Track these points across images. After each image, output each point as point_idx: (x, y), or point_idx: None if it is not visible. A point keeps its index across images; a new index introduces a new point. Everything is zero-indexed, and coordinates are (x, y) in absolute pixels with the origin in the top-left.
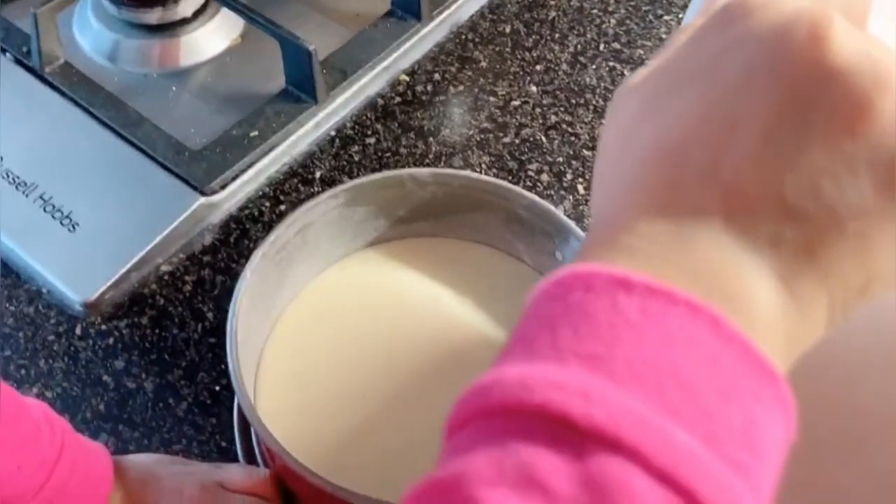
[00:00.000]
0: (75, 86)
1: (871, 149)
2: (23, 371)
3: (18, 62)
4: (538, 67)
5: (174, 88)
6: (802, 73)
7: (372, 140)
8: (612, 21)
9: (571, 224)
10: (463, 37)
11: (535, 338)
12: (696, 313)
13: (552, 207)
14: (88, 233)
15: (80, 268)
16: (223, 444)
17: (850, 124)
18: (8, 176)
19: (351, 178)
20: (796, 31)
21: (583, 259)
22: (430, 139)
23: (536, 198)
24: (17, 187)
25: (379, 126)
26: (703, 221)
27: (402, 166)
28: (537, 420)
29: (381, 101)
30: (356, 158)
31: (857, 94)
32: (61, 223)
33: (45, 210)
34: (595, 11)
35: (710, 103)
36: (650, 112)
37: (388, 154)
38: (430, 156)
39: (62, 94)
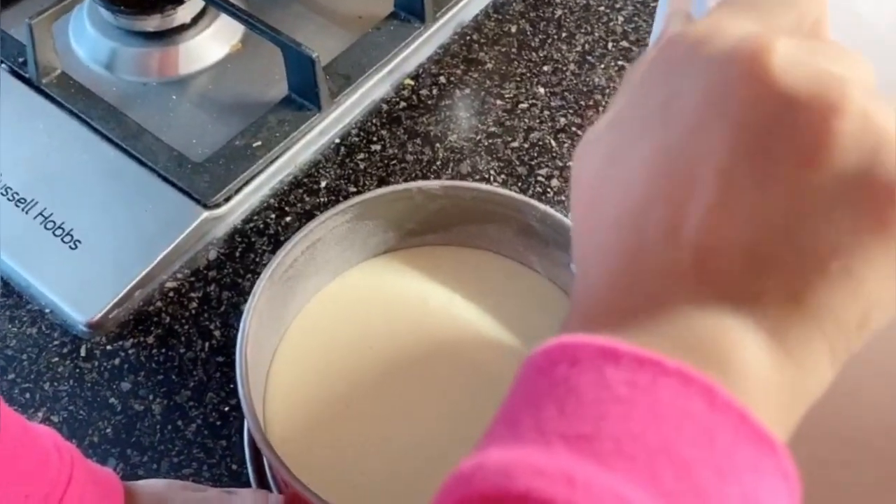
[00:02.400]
0: (73, 97)
1: (836, 177)
2: (27, 395)
3: (14, 73)
4: (545, 68)
5: (174, 97)
6: (749, 107)
7: (377, 147)
8: (620, 18)
9: None
10: (468, 38)
11: (519, 418)
12: (689, 383)
13: (566, 219)
14: (91, 250)
15: (83, 286)
16: (234, 466)
17: (809, 155)
18: (7, 192)
19: (357, 186)
20: (736, 63)
21: (568, 329)
22: (437, 145)
23: (549, 209)
24: (16, 204)
25: (384, 132)
26: (677, 285)
27: (409, 173)
28: None
29: (385, 107)
30: (362, 166)
31: (809, 121)
32: (63, 240)
33: (45, 227)
34: (602, 9)
35: (665, 155)
36: (610, 169)
37: (394, 161)
38: (438, 162)
39: (60, 105)
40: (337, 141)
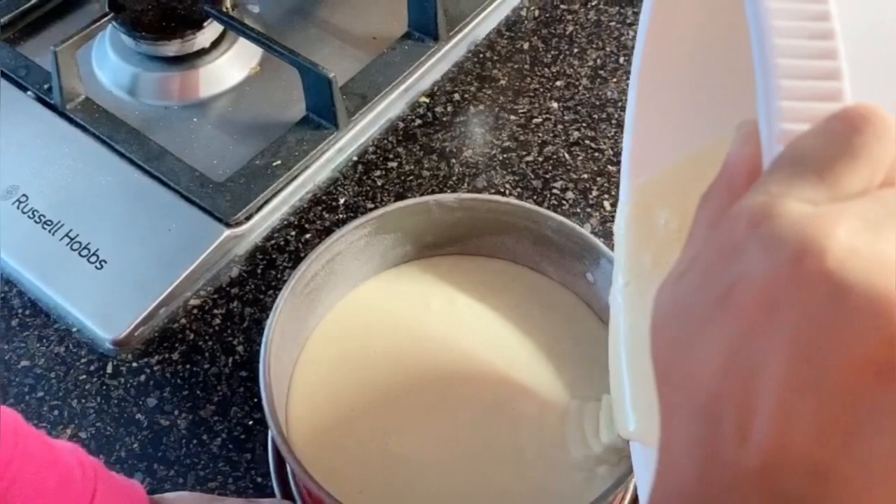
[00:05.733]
0: (97, 121)
1: (892, 388)
2: (56, 412)
3: (40, 100)
4: (558, 83)
5: (195, 120)
6: (803, 309)
7: (394, 164)
8: (631, 33)
9: (600, 245)
10: (481, 55)
11: None
12: None
13: (580, 229)
14: (116, 269)
15: (109, 305)
16: (259, 479)
17: (863, 364)
18: (34, 215)
19: (375, 202)
20: (790, 258)
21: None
22: (453, 160)
23: (564, 219)
24: (43, 226)
25: (401, 149)
26: (753, 490)
27: (426, 189)
28: None
29: (401, 125)
30: (379, 183)
31: (864, 326)
32: (88, 260)
33: (72, 248)
34: (613, 24)
35: (729, 355)
36: (683, 355)
37: (411, 177)
38: (454, 177)
39: (84, 129)
40: (354, 159)
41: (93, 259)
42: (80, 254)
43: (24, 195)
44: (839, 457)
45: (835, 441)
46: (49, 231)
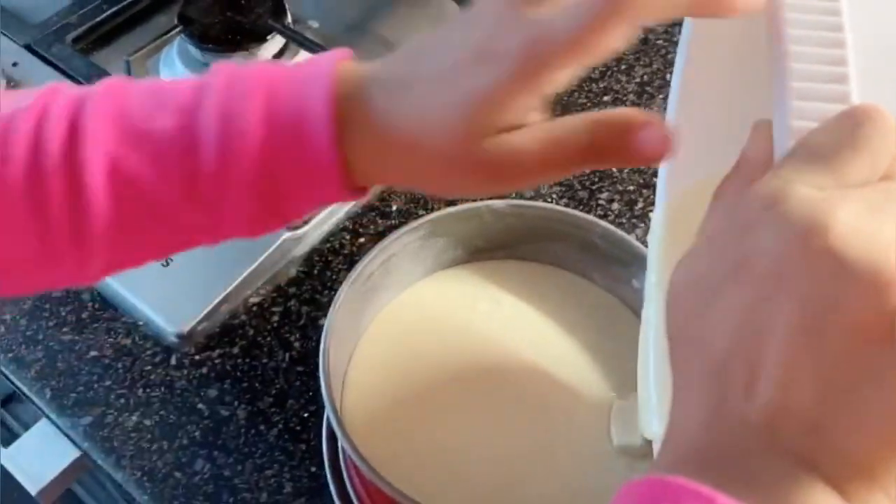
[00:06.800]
0: None
1: (887, 350)
2: (122, 400)
3: None
4: (606, 98)
5: None
6: (809, 280)
7: None
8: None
9: (646, 252)
10: None
11: None
12: None
13: (626, 236)
14: (181, 268)
15: (174, 301)
16: (313, 469)
17: (861, 329)
18: None
19: (426, 210)
20: (798, 235)
21: (663, 460)
22: None
23: (610, 226)
24: None
25: None
26: (754, 440)
27: (475, 198)
28: None
29: None
30: None
31: (862, 297)
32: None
33: None
34: (660, 42)
35: (740, 319)
36: (697, 318)
37: None
38: None
39: None
40: None
41: None
42: None
43: None
44: (835, 414)
45: (832, 400)
46: None
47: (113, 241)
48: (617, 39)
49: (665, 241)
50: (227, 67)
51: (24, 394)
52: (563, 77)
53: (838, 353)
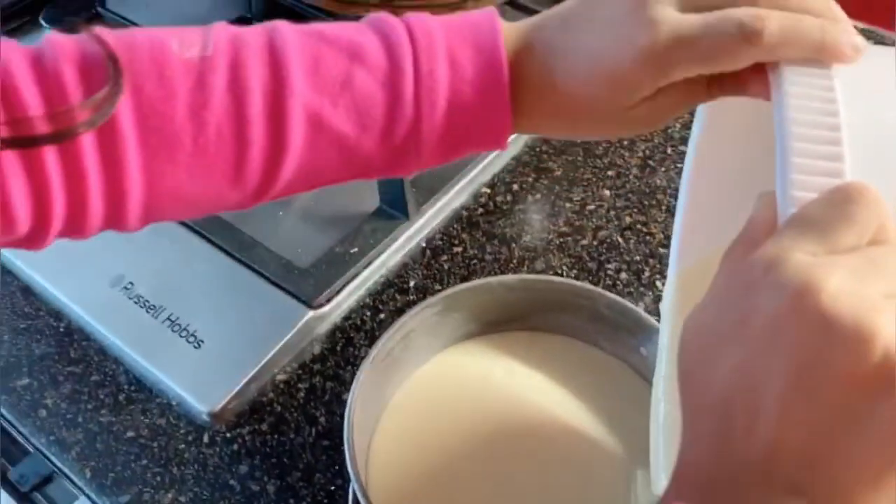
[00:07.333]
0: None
1: (870, 399)
2: (158, 478)
3: None
4: (610, 173)
5: (280, 213)
6: (801, 337)
7: (459, 249)
8: (678, 125)
9: (652, 320)
10: (537, 149)
11: None
12: None
13: (632, 305)
14: (212, 349)
15: (205, 381)
16: None
17: (845, 381)
18: (139, 300)
19: (442, 285)
20: (793, 298)
21: (675, 489)
22: (513, 245)
23: (616, 297)
24: (147, 310)
25: (465, 236)
26: (754, 474)
27: (489, 271)
28: None
29: (465, 213)
30: (446, 267)
31: (846, 352)
32: (187, 341)
33: (172, 330)
34: None
35: (742, 370)
36: (704, 367)
37: (474, 261)
38: (514, 260)
39: (183, 223)
40: (423, 245)
41: (191, 339)
42: (179, 335)
43: (130, 283)
44: (826, 452)
45: (823, 440)
46: (152, 315)
47: (296, 179)
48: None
49: (676, 305)
50: (405, 22)
51: (65, 475)
52: None
53: (828, 400)
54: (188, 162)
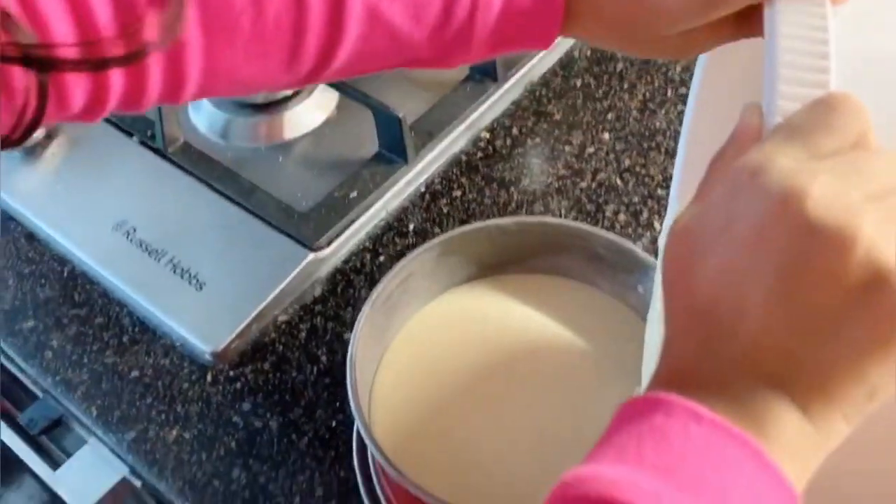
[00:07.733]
0: (195, 162)
1: (849, 300)
2: (163, 416)
3: (143, 144)
4: (609, 116)
5: (280, 159)
6: (786, 240)
7: (458, 193)
8: (678, 68)
9: (649, 258)
10: (537, 93)
11: (626, 447)
12: (745, 446)
13: (630, 244)
14: (214, 291)
15: (208, 322)
16: (342, 473)
17: (826, 281)
18: (142, 245)
19: (441, 228)
20: (778, 202)
21: (657, 383)
22: (512, 189)
23: (614, 236)
24: (149, 254)
25: (464, 180)
26: (737, 368)
27: (487, 215)
28: None
29: (464, 158)
30: (445, 210)
31: (828, 254)
32: (189, 283)
33: (174, 273)
34: (661, 61)
35: (729, 269)
36: (691, 268)
37: (473, 205)
38: (513, 204)
39: (183, 170)
40: (422, 189)
41: (193, 282)
42: (181, 277)
43: (132, 227)
44: (808, 348)
45: (806, 338)
46: (154, 259)
47: (346, 66)
48: None
49: None
50: None
51: (71, 414)
52: None
53: (811, 301)
54: (246, 46)
